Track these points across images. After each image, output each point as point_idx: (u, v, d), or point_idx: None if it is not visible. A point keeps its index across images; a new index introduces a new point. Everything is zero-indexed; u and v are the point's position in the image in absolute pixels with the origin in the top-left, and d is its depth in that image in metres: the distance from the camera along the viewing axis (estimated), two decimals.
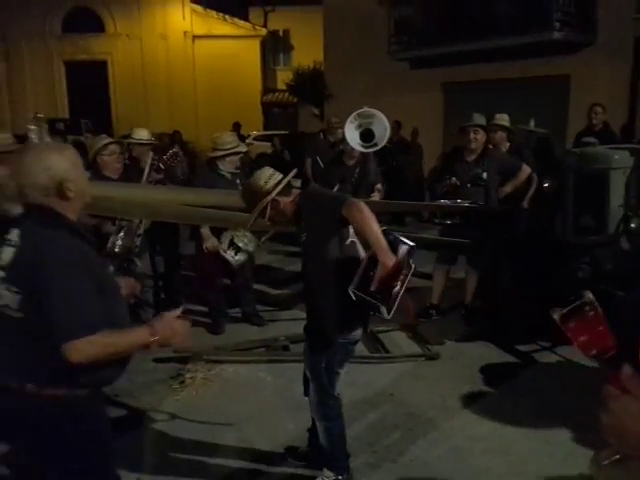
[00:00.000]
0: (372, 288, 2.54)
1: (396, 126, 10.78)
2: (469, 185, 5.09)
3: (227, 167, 5.14)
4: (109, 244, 4.47)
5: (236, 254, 4.58)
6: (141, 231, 4.74)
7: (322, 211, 2.78)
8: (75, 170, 2.03)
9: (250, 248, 4.58)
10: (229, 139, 5.24)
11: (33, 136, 3.36)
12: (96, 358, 1.90)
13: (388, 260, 2.51)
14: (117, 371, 2.10)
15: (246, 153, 11.62)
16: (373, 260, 2.56)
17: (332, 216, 2.70)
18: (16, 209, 4.81)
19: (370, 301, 2.56)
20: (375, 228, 2.57)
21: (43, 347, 1.90)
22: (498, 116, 5.93)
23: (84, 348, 1.86)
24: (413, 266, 2.62)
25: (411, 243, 2.63)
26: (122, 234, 4.50)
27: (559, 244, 4.74)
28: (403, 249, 2.59)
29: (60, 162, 1.99)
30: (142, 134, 5.65)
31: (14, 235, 1.95)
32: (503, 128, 5.83)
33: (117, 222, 4.38)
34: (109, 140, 4.93)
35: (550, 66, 10.69)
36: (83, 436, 2.03)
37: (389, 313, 2.57)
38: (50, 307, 1.86)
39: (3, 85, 23.84)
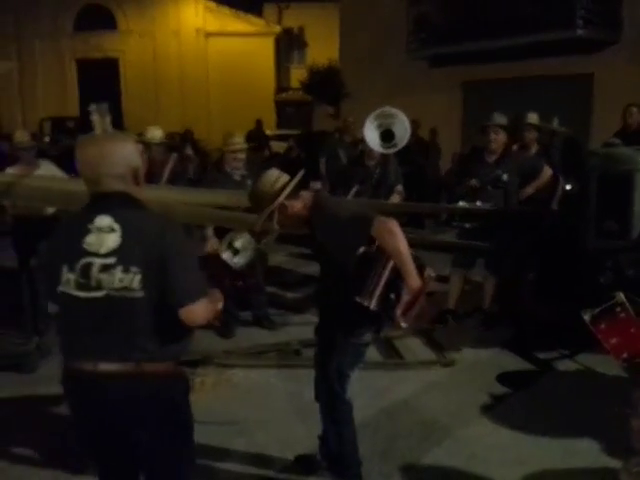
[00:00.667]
0: (398, 312, 2.55)
1: (414, 125, 10.65)
2: (489, 187, 4.99)
3: (231, 167, 5.06)
4: None
5: (234, 256, 4.51)
6: None
7: (346, 231, 2.64)
8: (141, 158, 2.20)
9: (249, 250, 4.50)
10: (227, 136, 5.18)
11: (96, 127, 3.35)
12: (205, 321, 2.14)
13: (416, 286, 2.51)
14: (189, 344, 2.26)
15: (259, 153, 11.63)
16: (394, 281, 2.54)
17: (359, 236, 2.59)
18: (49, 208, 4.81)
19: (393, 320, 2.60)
20: (405, 251, 2.52)
21: (159, 323, 2.04)
22: (530, 115, 5.85)
23: (202, 310, 2.08)
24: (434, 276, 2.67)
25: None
26: None
27: (581, 248, 4.62)
28: (429, 270, 2.61)
29: (133, 150, 2.15)
30: (155, 134, 5.60)
31: (106, 222, 2.01)
32: (536, 128, 5.74)
33: None
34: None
35: (573, 65, 10.56)
36: (188, 405, 2.24)
37: (407, 325, 2.60)
38: (176, 277, 2.02)
39: (15, 83, 23.99)
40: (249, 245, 4.44)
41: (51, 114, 21.55)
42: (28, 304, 4.56)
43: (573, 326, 4.37)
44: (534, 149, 5.79)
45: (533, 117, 5.85)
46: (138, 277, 1.98)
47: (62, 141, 18.06)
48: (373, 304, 2.53)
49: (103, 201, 2.07)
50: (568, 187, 5.42)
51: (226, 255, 4.51)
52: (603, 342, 2.33)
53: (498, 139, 5.06)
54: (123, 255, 1.99)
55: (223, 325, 5.25)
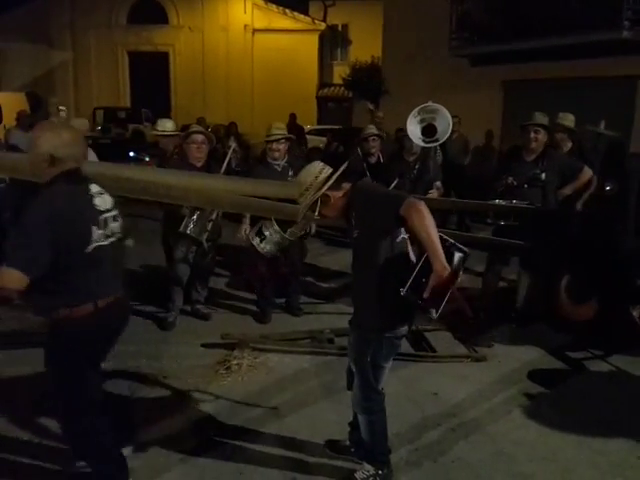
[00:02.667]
0: (425, 295, 2.48)
1: (457, 122, 10.48)
2: (526, 186, 4.96)
3: (271, 157, 5.15)
4: (182, 226, 4.65)
5: (261, 242, 4.62)
6: (214, 216, 4.86)
7: (378, 209, 2.67)
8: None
9: (275, 238, 4.60)
10: (268, 128, 5.26)
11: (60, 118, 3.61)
12: None
13: (443, 270, 2.42)
14: None
15: (300, 146, 11.72)
16: (427, 265, 2.48)
17: (389, 214, 2.59)
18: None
19: (421, 305, 2.54)
20: (433, 233, 2.46)
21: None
22: (562, 115, 5.74)
23: None
24: (461, 272, 2.56)
25: (466, 249, 2.56)
26: (195, 217, 4.65)
27: (619, 249, 4.57)
28: (458, 257, 2.52)
29: None
30: (167, 125, 5.76)
31: (97, 188, 2.64)
32: (564, 128, 5.65)
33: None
34: (194, 129, 5.07)
35: (618, 66, 10.28)
36: None
37: (437, 314, 2.54)
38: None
39: (70, 73, 24.72)
40: (276, 233, 4.56)
41: (104, 104, 22.15)
42: None
43: (606, 326, 4.38)
44: (565, 149, 5.67)
45: (565, 117, 5.73)
46: (120, 224, 2.72)
47: (111, 130, 18.54)
48: (404, 289, 2.53)
49: (80, 174, 2.62)
50: (608, 188, 5.32)
51: (255, 241, 4.66)
52: None
53: (538, 138, 5.00)
54: (116, 207, 2.71)
55: (260, 311, 5.40)
